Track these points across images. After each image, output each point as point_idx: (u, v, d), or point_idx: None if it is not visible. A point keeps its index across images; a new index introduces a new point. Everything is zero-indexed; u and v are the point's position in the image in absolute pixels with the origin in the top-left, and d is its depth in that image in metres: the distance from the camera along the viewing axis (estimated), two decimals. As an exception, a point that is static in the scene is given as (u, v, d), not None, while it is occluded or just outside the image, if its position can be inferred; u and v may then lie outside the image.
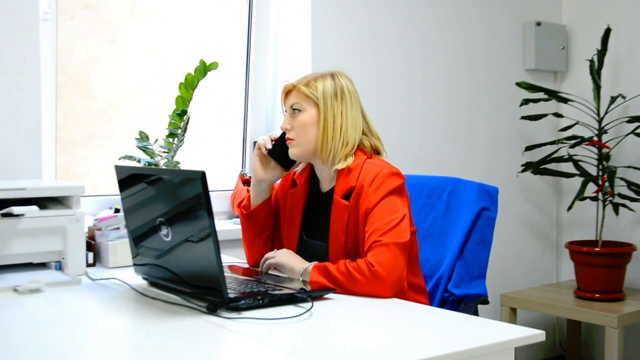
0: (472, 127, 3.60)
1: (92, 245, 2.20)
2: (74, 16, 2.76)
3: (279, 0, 3.14)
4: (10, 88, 2.37)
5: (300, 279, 1.84)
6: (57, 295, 1.79)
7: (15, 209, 1.89)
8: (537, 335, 1.45)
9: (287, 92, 2.03)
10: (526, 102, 3.51)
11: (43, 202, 2.01)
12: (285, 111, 2.04)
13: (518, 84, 3.53)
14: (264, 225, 2.11)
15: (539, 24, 3.74)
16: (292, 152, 2.00)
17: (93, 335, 1.53)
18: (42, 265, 2.03)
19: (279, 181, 2.14)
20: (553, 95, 3.51)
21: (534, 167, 3.53)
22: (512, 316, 3.42)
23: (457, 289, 2.14)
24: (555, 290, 3.53)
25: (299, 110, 1.98)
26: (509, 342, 1.42)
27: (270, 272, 1.99)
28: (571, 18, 3.90)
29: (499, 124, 3.70)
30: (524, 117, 3.57)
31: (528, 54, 3.77)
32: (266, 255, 2.00)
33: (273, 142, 2.05)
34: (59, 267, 2.02)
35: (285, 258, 1.93)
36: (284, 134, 2.02)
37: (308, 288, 1.77)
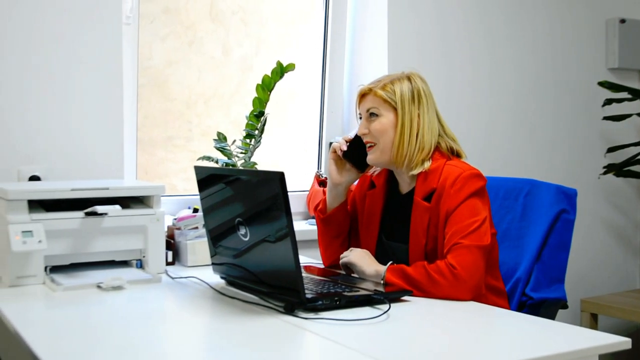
0: (551, 128, 3.51)
1: (171, 244, 2.24)
2: (154, 20, 2.82)
3: (356, 1, 3.14)
4: (95, 91, 2.45)
5: (379, 281, 1.83)
6: (138, 293, 1.83)
7: (99, 208, 1.94)
8: (622, 342, 1.40)
9: (362, 96, 1.99)
10: (609, 102, 3.40)
11: (125, 202, 2.06)
12: (360, 115, 2.01)
13: (600, 84, 3.43)
14: (340, 228, 2.10)
15: (623, 21, 3.63)
16: (370, 158, 1.98)
17: (173, 333, 1.56)
18: (124, 263, 2.08)
19: (355, 183, 2.13)
20: (638, 94, 3.39)
21: (617, 169, 3.42)
22: (592, 322, 3.33)
23: (535, 293, 2.10)
24: (639, 297, 3.41)
25: (377, 115, 1.95)
26: (592, 349, 1.38)
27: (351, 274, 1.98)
28: (657, 14, 3.77)
29: (580, 125, 3.60)
30: (606, 118, 3.47)
31: (611, 52, 3.65)
32: (342, 254, 2.00)
33: (348, 144, 2.04)
34: (140, 265, 2.07)
35: (358, 258, 1.92)
36: (357, 135, 2.00)
37: (383, 290, 1.76)
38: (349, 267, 1.96)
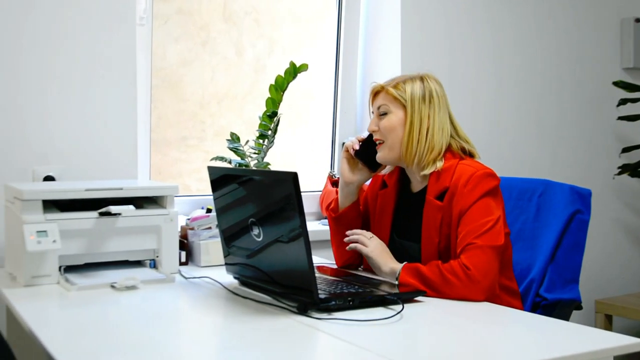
0: (565, 128, 3.50)
1: (184, 244, 2.24)
2: (167, 20, 2.83)
3: (369, 1, 3.14)
4: (109, 91, 2.45)
5: (394, 280, 1.82)
6: (152, 293, 1.84)
7: (113, 208, 1.95)
8: (637, 344, 1.39)
9: (375, 94, 2.01)
10: (624, 101, 3.38)
11: (139, 202, 2.07)
12: (373, 113, 2.03)
13: (615, 83, 3.41)
14: (352, 227, 2.09)
15: (638, 20, 3.60)
16: (379, 155, 1.99)
17: (186, 333, 1.56)
18: (138, 263, 2.09)
19: (367, 182, 2.13)
20: (653, 94, 3.37)
21: (632, 170, 3.40)
22: (607, 323, 3.31)
23: (549, 294, 2.09)
24: (654, 298, 3.39)
25: (386, 113, 1.97)
26: (607, 351, 1.37)
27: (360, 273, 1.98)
28: (673, 14, 3.74)
29: (594, 125, 3.59)
30: (621, 118, 3.45)
31: (626, 52, 3.63)
32: (360, 235, 1.95)
33: (360, 143, 2.04)
34: (154, 265, 2.07)
35: (377, 253, 1.90)
36: (371, 135, 2.01)
37: (396, 290, 1.75)
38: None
